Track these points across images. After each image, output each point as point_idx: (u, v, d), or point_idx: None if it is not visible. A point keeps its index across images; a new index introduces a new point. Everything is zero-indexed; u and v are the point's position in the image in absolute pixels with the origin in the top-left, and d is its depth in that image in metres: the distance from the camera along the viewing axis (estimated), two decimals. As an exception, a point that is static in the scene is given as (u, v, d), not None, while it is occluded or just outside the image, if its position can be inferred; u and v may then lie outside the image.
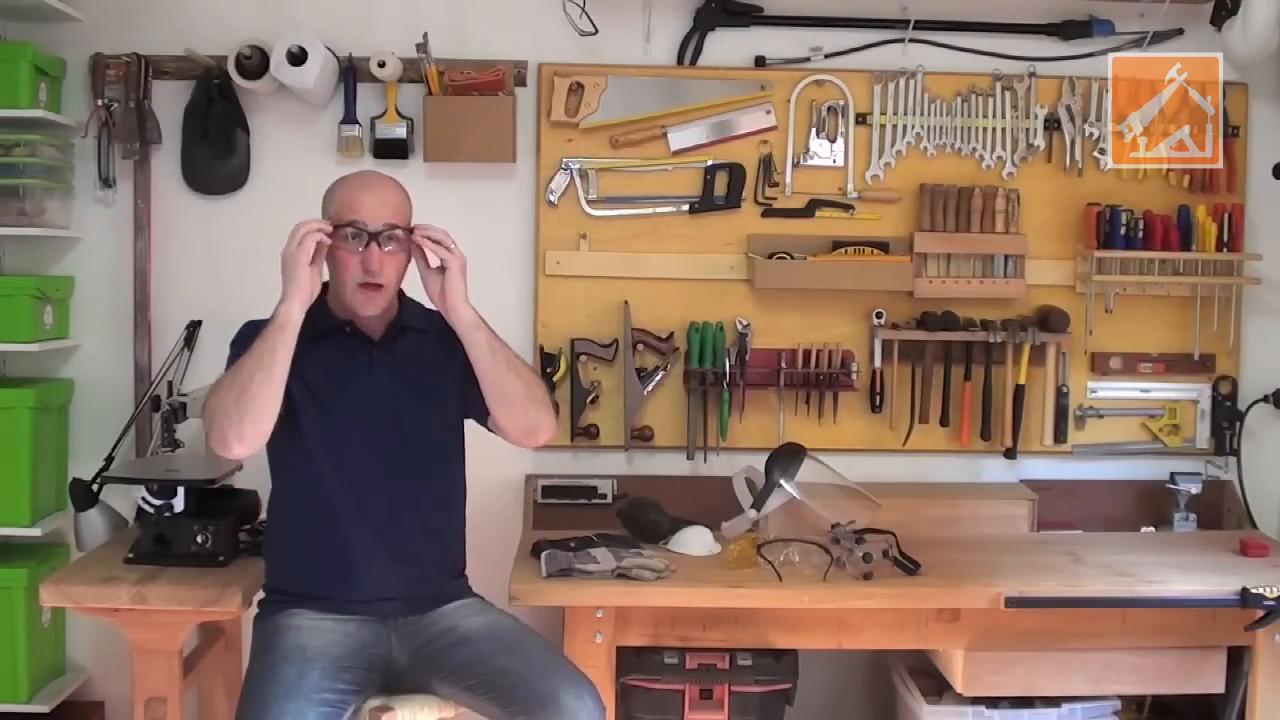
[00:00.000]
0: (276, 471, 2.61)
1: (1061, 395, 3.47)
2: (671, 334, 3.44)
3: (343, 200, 2.52)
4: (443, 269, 2.52)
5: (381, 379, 2.57)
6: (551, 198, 3.41)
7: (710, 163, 3.43)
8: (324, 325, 2.56)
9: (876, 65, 3.45)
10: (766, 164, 3.43)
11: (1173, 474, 3.45)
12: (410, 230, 2.54)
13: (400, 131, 3.37)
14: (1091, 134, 3.46)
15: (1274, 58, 3.39)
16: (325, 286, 2.58)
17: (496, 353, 2.53)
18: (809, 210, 3.44)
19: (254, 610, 2.64)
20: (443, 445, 2.65)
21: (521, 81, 3.41)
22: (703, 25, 3.43)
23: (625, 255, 3.43)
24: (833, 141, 3.44)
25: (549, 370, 3.40)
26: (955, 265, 3.44)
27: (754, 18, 3.44)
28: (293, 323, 2.43)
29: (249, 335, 2.50)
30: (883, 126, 3.44)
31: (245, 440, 2.41)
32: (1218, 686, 2.97)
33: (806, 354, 3.42)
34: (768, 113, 3.43)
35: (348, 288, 2.51)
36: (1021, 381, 3.43)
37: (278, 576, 2.60)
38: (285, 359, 2.42)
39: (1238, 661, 2.97)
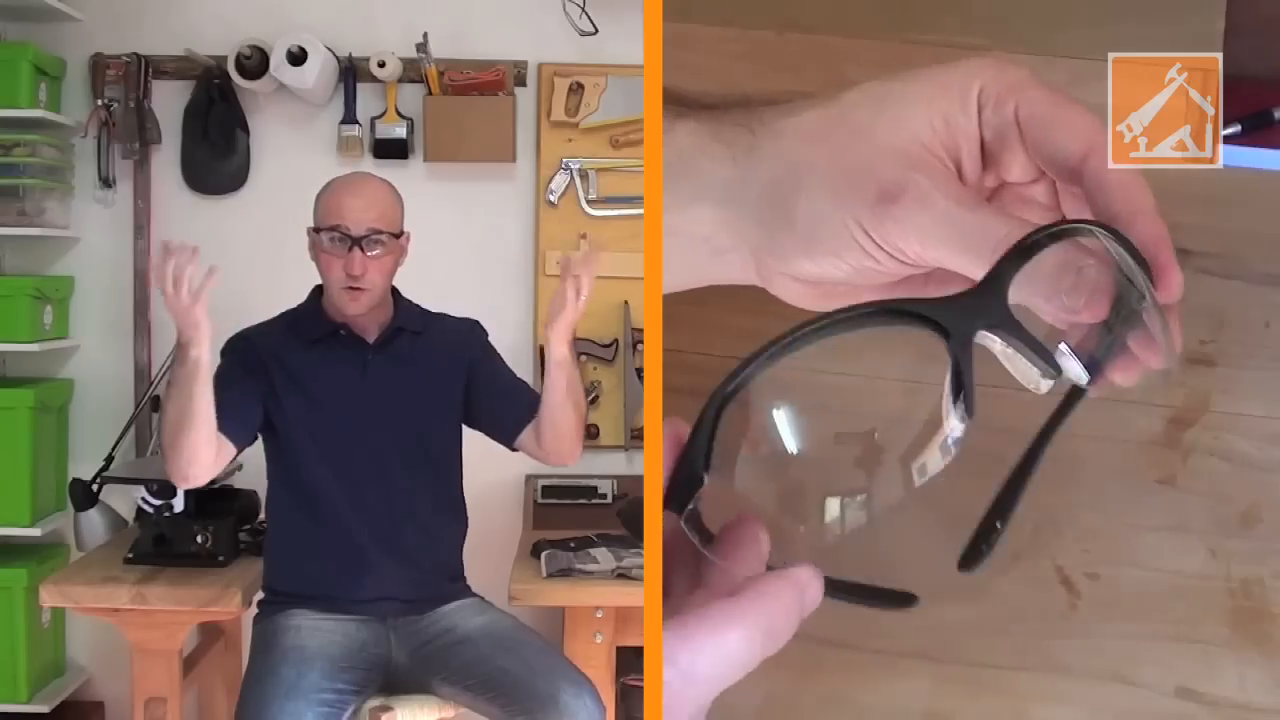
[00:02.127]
0: (273, 473, 2.61)
1: (1062, 395, 3.46)
2: (671, 334, 3.43)
3: (328, 204, 2.51)
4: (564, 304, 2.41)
5: (377, 381, 2.56)
6: (551, 198, 3.41)
7: (710, 163, 3.42)
8: (318, 329, 2.56)
9: (876, 65, 3.44)
10: (766, 164, 3.43)
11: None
12: (398, 235, 2.52)
13: (400, 132, 3.37)
14: (1092, 134, 3.45)
15: (1274, 57, 3.39)
16: (320, 289, 2.58)
17: (568, 396, 2.48)
18: (809, 210, 3.43)
19: (254, 610, 2.64)
20: (440, 446, 2.64)
21: (521, 81, 3.40)
22: (703, 25, 3.43)
23: (625, 255, 3.42)
24: (833, 141, 3.44)
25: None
26: (955, 265, 3.43)
27: (754, 18, 3.44)
28: (204, 365, 2.31)
29: (231, 350, 2.53)
30: (883, 126, 3.44)
31: (189, 480, 2.40)
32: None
33: (806, 354, 3.41)
34: (768, 113, 3.43)
35: (333, 289, 2.51)
36: (1021, 381, 3.43)
37: (276, 577, 2.60)
38: (208, 405, 2.32)
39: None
